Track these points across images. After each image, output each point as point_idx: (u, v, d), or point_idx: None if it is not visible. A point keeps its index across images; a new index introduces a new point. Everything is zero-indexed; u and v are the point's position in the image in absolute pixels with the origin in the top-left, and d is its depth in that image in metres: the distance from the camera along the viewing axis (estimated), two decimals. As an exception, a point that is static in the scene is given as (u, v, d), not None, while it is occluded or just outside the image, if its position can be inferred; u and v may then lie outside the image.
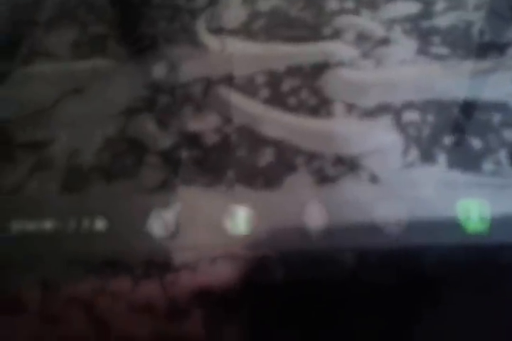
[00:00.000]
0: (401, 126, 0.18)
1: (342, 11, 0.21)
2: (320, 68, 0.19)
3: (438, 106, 0.18)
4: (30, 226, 0.17)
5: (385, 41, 0.20)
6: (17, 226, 0.17)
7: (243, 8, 0.21)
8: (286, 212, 0.17)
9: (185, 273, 0.17)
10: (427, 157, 0.17)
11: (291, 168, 0.18)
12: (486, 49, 0.19)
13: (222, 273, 0.17)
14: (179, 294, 0.16)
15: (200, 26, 0.20)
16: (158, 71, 0.20)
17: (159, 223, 0.17)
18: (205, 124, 0.18)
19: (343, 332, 0.16)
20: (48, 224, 0.17)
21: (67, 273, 0.17)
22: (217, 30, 0.20)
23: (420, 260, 0.16)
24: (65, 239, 0.17)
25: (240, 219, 0.17)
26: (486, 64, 0.19)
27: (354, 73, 0.19)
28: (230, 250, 0.17)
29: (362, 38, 0.20)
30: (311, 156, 0.18)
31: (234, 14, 0.21)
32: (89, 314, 0.17)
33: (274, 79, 0.19)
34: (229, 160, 0.18)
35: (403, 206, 0.17)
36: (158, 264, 0.17)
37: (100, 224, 0.17)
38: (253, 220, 0.17)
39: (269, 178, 0.18)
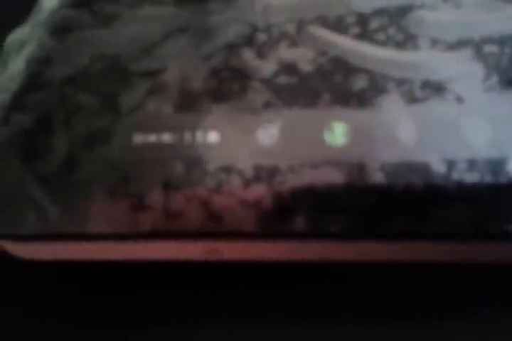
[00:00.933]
0: (481, 57, 0.20)
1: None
2: (404, 10, 0.22)
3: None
4: (151, 138, 0.20)
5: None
6: (138, 138, 0.20)
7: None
8: (380, 127, 0.19)
9: (291, 176, 0.19)
10: (506, 82, 0.20)
11: (383, 91, 0.20)
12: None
13: (325, 176, 0.19)
14: (285, 194, 0.19)
15: None
16: (254, 12, 0.22)
17: (267, 136, 0.20)
18: (300, 56, 0.21)
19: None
20: (167, 137, 0.20)
21: (187, 177, 0.19)
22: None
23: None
24: (182, 149, 0.20)
25: (339, 133, 0.20)
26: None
27: (436, 13, 0.22)
28: (331, 157, 0.19)
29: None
30: (401, 81, 0.20)
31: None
32: (206, 210, 0.19)
33: (362, 20, 0.22)
34: (325, 85, 0.20)
35: (487, 123, 0.19)
36: (265, 168, 0.19)
37: (213, 137, 0.20)
38: (351, 134, 0.20)
39: (362, 100, 0.20)
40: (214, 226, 0.19)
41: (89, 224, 0.19)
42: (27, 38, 0.23)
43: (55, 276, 0.23)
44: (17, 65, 0.22)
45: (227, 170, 0.19)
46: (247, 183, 0.19)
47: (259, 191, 0.19)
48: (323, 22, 0.22)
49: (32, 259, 0.22)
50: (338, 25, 0.22)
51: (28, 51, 0.23)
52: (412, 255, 0.20)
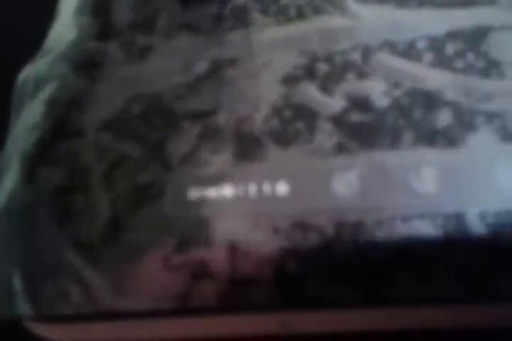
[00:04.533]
0: None
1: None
2: (482, 32, 0.20)
3: None
4: (210, 193, 0.18)
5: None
6: (195, 193, 0.18)
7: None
8: (473, 170, 0.18)
9: (379, 231, 0.17)
10: None
11: (472, 128, 0.18)
12: None
13: (419, 231, 0.17)
14: (376, 253, 0.17)
15: None
16: (312, 39, 0.20)
17: (344, 184, 0.18)
18: (372, 88, 0.19)
19: None
20: (228, 190, 0.18)
21: (255, 236, 0.17)
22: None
23: None
24: (247, 204, 0.18)
25: (428, 178, 0.18)
26: None
27: (519, 35, 0.20)
28: (422, 208, 0.17)
29: (517, 2, 0.21)
30: (491, 115, 0.18)
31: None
32: (279, 274, 0.17)
33: (435, 44, 0.20)
34: (405, 122, 0.19)
35: None
36: (349, 224, 0.17)
37: (282, 188, 0.18)
38: (441, 179, 0.18)
39: (450, 138, 0.18)
40: (290, 295, 0.17)
41: (140, 298, 0.17)
42: (45, 76, 0.21)
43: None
44: (35, 109, 0.20)
45: (303, 227, 0.17)
46: (328, 243, 0.17)
47: (343, 252, 0.17)
48: (392, 48, 0.20)
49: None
50: (410, 52, 0.20)
51: (48, 92, 0.20)
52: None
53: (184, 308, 0.18)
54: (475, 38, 0.21)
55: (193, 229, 0.18)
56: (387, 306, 0.18)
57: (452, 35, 0.21)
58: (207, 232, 0.18)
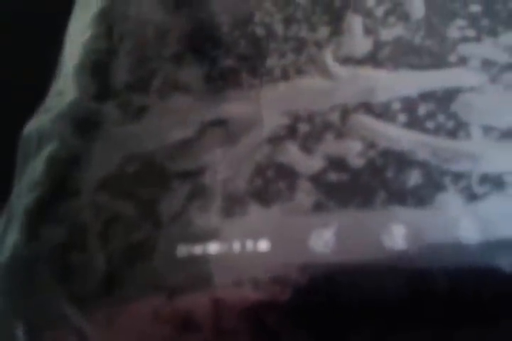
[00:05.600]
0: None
1: (464, 39, 0.23)
2: (452, 94, 0.22)
3: None
4: (197, 250, 0.20)
5: (510, 66, 0.23)
6: (183, 251, 0.20)
7: (367, 38, 0.24)
8: (440, 228, 0.20)
9: (352, 287, 0.19)
10: None
11: (440, 187, 0.20)
12: None
13: (388, 285, 0.19)
14: (346, 308, 0.19)
15: (327, 57, 0.23)
16: (295, 100, 0.23)
17: (321, 241, 0.20)
18: (349, 149, 0.21)
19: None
20: (214, 247, 0.20)
21: (237, 291, 0.19)
22: (345, 60, 0.23)
23: None
24: (231, 261, 0.20)
25: (398, 236, 0.20)
26: None
27: (486, 97, 0.22)
28: (392, 264, 0.19)
29: (487, 64, 0.23)
30: (458, 176, 0.20)
31: (358, 44, 0.24)
32: (260, 328, 0.19)
33: (408, 105, 0.22)
34: (378, 182, 0.21)
35: None
36: (322, 278, 0.19)
37: (263, 246, 0.20)
38: (410, 236, 0.20)
39: (419, 198, 0.20)
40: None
41: None
42: (46, 133, 0.23)
43: None
44: (37, 167, 0.23)
45: (281, 281, 0.19)
46: (302, 296, 0.19)
47: (314, 305, 0.19)
48: (368, 109, 0.22)
49: None
50: (385, 113, 0.22)
51: (48, 150, 0.23)
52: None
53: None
54: (445, 98, 0.23)
55: (181, 285, 0.20)
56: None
57: (424, 96, 0.23)
58: (194, 288, 0.20)
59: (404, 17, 0.24)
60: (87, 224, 0.21)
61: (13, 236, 0.21)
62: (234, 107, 0.23)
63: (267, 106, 0.23)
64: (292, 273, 0.20)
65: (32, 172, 0.22)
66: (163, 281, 0.20)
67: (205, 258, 0.20)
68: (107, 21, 0.26)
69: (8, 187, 0.23)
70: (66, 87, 0.24)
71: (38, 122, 0.24)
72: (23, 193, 0.21)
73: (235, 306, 0.19)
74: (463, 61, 0.24)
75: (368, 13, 0.24)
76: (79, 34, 0.26)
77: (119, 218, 0.21)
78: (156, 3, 0.25)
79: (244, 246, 0.20)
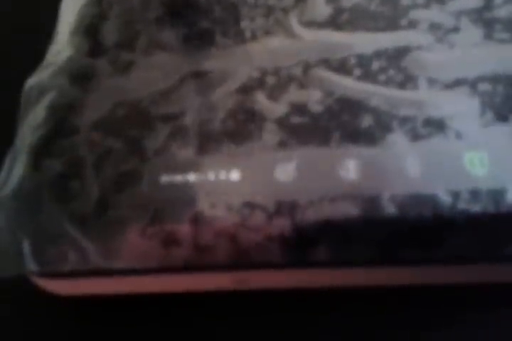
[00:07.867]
0: (477, 94, 0.25)
1: (414, 6, 0.28)
2: (402, 51, 0.26)
3: (506, 78, 0.25)
4: (177, 179, 0.24)
5: (455, 29, 0.27)
6: (165, 179, 0.24)
7: (328, 5, 0.28)
8: (388, 162, 0.24)
9: (311, 210, 0.23)
10: (499, 117, 0.24)
11: (388, 129, 0.24)
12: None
13: (342, 209, 0.23)
14: (306, 227, 0.23)
15: (292, 21, 0.28)
16: (263, 57, 0.27)
17: (285, 172, 0.24)
18: (309, 97, 0.26)
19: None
20: (192, 177, 0.24)
21: (213, 213, 0.24)
22: (308, 24, 0.28)
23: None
24: (207, 187, 0.24)
25: (351, 169, 0.24)
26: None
27: (432, 54, 0.26)
28: (346, 191, 0.24)
29: (434, 27, 0.27)
30: (405, 119, 0.25)
31: (320, 10, 0.28)
32: (233, 244, 0.23)
33: (364, 61, 0.26)
34: (335, 124, 0.25)
35: (485, 154, 0.24)
36: (286, 203, 0.23)
37: (235, 175, 0.24)
38: (362, 169, 0.24)
39: (370, 138, 0.24)
40: (242, 259, 0.23)
41: (123, 260, 0.23)
42: (46, 86, 0.27)
43: (88, 311, 0.27)
44: (38, 113, 0.26)
45: (251, 205, 0.23)
46: (270, 218, 0.23)
47: (281, 225, 0.23)
48: (327, 64, 0.26)
49: (67, 295, 0.26)
50: (342, 67, 0.26)
51: (49, 99, 0.27)
52: (426, 279, 0.25)
53: (158, 268, 0.24)
54: (396, 55, 0.27)
55: (164, 207, 0.24)
56: (312, 268, 0.25)
57: (378, 54, 0.27)
58: (175, 209, 0.24)
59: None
60: (84, 157, 0.25)
61: (19, 170, 0.24)
62: (210, 63, 0.27)
63: (239, 62, 0.27)
64: (260, 198, 0.23)
65: (34, 118, 0.26)
66: (150, 203, 0.23)
67: (185, 185, 0.24)
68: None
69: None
70: (63, 46, 0.28)
71: (38, 77, 0.28)
72: (27, 135, 0.25)
73: (212, 226, 0.23)
74: (413, 24, 0.27)
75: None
76: (72, 4, 0.30)
77: (111, 152, 0.25)
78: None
79: (218, 175, 0.24)
